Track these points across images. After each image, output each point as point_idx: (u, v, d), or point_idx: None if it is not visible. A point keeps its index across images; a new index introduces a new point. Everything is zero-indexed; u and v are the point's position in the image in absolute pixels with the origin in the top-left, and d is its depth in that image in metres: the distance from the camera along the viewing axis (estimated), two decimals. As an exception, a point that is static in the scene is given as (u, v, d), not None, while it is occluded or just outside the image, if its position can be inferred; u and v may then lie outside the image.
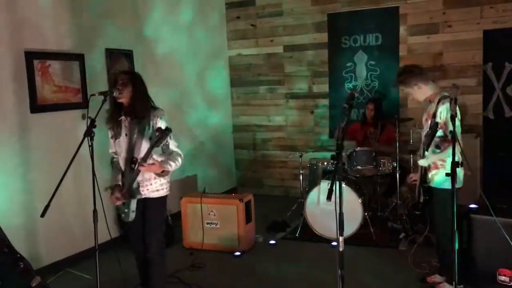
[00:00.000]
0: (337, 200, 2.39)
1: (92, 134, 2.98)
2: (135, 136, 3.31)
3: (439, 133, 3.46)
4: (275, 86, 7.04)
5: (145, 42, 5.57)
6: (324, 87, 6.71)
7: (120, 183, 3.38)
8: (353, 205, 4.81)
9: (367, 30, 6.34)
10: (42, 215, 2.78)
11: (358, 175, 5.29)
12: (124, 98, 3.28)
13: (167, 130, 3.13)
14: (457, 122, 3.34)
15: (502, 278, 3.59)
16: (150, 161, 3.18)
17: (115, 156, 3.48)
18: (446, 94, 3.42)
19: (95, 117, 3.03)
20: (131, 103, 3.31)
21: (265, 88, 7.12)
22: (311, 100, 6.84)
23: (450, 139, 3.37)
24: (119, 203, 3.35)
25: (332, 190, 2.33)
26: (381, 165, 5.19)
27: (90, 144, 2.96)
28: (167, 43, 5.95)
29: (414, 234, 4.83)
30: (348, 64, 6.53)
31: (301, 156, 5.66)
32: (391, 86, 6.09)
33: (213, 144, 6.92)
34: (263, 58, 7.06)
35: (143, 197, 3.37)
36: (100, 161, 3.57)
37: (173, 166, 3.31)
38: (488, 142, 5.94)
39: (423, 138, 3.61)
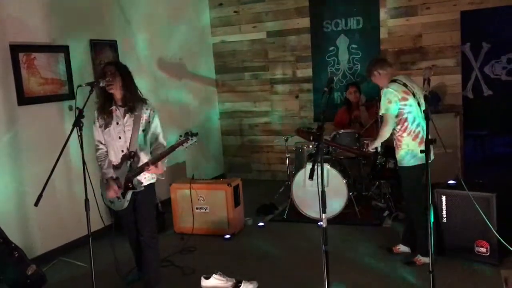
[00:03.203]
0: (319, 178, 2.51)
1: (81, 124, 3.06)
2: (130, 129, 3.39)
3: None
4: (259, 72, 7.12)
5: (129, 32, 5.61)
6: (308, 72, 6.82)
7: (114, 176, 3.44)
8: (338, 186, 4.97)
9: (348, 14, 6.43)
10: (36, 204, 2.87)
11: (342, 157, 5.44)
12: (114, 88, 3.37)
13: (195, 135, 3.28)
14: (386, 105, 3.77)
15: (480, 249, 3.77)
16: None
17: (100, 145, 3.53)
18: (396, 78, 3.84)
19: (83, 107, 3.10)
20: (122, 92, 3.40)
21: (249, 74, 7.20)
22: (296, 85, 6.94)
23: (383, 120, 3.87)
24: (117, 194, 3.41)
25: (314, 169, 2.45)
26: (364, 147, 5.30)
27: (79, 134, 3.05)
28: (151, 32, 5.99)
29: (397, 211, 5.00)
30: (331, 48, 6.63)
31: (286, 140, 5.78)
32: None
33: (200, 131, 6.94)
34: (247, 44, 7.12)
35: (142, 187, 3.46)
36: (90, 150, 3.64)
37: (165, 162, 3.46)
38: (468, 121, 6.11)
39: None
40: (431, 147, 3.54)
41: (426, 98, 2.54)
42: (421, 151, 2.46)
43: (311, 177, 2.44)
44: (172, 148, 3.32)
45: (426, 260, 3.79)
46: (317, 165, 2.53)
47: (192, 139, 3.29)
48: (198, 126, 6.94)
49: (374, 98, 5.46)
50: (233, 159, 7.54)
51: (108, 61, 3.44)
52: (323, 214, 2.58)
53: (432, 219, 2.44)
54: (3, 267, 3.64)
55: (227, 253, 4.48)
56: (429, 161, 3.65)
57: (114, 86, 3.35)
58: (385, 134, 3.88)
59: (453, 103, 6.02)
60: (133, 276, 3.89)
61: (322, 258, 2.60)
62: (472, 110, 6.09)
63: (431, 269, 2.42)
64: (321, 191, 2.53)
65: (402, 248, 4.10)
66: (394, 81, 3.87)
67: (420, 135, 3.73)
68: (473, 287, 3.47)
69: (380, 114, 3.91)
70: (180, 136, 3.32)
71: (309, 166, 5.06)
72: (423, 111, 2.60)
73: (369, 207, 5.34)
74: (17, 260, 3.66)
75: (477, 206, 3.45)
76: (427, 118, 2.47)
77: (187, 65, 6.76)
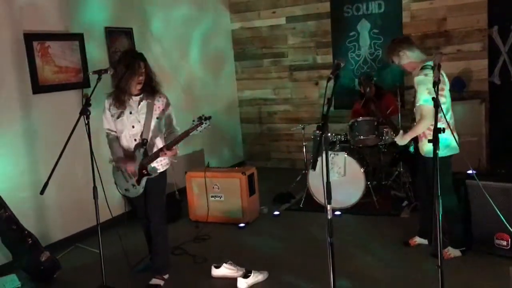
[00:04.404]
0: (324, 169, 2.43)
1: (88, 113, 3.07)
2: (143, 116, 3.43)
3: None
4: (279, 59, 7.01)
5: (145, 20, 5.58)
6: (328, 58, 6.66)
7: (122, 156, 3.48)
8: (355, 175, 4.86)
9: (369, -3, 6.24)
10: (41, 193, 2.89)
11: (361, 145, 5.30)
12: (143, 82, 3.42)
13: (208, 119, 3.27)
14: (425, 95, 3.36)
15: (500, 242, 3.62)
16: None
17: (111, 132, 3.57)
18: (428, 63, 3.42)
19: (90, 95, 3.10)
20: (144, 86, 3.43)
21: (269, 61, 7.09)
22: (316, 72, 6.80)
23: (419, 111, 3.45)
24: (134, 168, 3.44)
25: (316, 160, 2.36)
26: (384, 134, 5.17)
27: (86, 122, 3.06)
28: (167, 19, 5.95)
29: (416, 201, 4.85)
30: (352, 34, 6.45)
31: (303, 128, 5.68)
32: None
33: (219, 119, 6.95)
34: (266, 30, 7.01)
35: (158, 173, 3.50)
36: (102, 138, 3.65)
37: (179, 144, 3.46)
38: (495, 107, 5.86)
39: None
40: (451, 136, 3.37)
41: (435, 84, 2.41)
42: (429, 141, 2.33)
43: (313, 167, 2.36)
44: (187, 133, 3.32)
45: (456, 253, 3.70)
46: (322, 155, 2.45)
47: (205, 123, 3.29)
48: (217, 113, 6.89)
49: (382, 88, 5.31)
50: (252, 147, 7.49)
51: (139, 53, 3.44)
52: (328, 206, 2.51)
53: (441, 211, 2.32)
54: (17, 253, 3.71)
55: (241, 242, 4.45)
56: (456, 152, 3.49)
57: (143, 80, 3.40)
58: (420, 130, 3.46)
59: (478, 89, 5.78)
60: (145, 264, 3.90)
61: (328, 250, 2.52)
62: (499, 96, 5.83)
63: (439, 264, 2.32)
64: (326, 182, 2.46)
65: (419, 240, 3.97)
66: (426, 67, 3.44)
67: (451, 124, 3.48)
68: (483, 282, 3.33)
69: (417, 105, 3.44)
70: (193, 121, 3.31)
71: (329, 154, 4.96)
72: (432, 98, 2.47)
73: (389, 197, 5.20)
74: (31, 246, 3.72)
75: (488, 197, 3.29)
76: (436, 106, 2.35)
77: (205, 52, 6.69)
